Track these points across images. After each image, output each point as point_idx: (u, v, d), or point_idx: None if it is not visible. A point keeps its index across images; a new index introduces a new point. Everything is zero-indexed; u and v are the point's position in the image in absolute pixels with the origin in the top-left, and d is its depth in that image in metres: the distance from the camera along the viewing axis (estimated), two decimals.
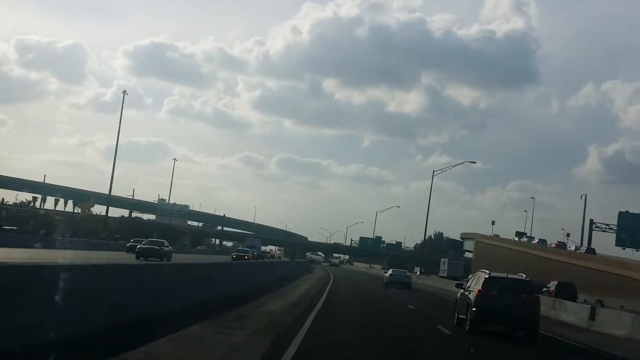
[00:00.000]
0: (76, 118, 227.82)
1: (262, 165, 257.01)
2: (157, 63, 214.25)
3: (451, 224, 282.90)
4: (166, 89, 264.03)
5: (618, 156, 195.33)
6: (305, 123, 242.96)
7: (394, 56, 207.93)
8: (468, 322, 19.32)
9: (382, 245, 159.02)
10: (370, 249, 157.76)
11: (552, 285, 54.85)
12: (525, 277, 20.49)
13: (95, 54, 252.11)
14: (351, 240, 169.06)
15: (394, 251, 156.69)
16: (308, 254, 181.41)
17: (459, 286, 23.60)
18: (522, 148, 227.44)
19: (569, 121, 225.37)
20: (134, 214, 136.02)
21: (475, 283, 20.05)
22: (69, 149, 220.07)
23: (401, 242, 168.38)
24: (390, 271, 57.79)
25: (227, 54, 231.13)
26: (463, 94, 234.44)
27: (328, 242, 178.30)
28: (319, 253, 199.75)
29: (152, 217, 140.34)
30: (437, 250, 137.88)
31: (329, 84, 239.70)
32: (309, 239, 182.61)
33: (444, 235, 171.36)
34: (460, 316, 20.71)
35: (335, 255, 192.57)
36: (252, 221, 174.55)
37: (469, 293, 19.86)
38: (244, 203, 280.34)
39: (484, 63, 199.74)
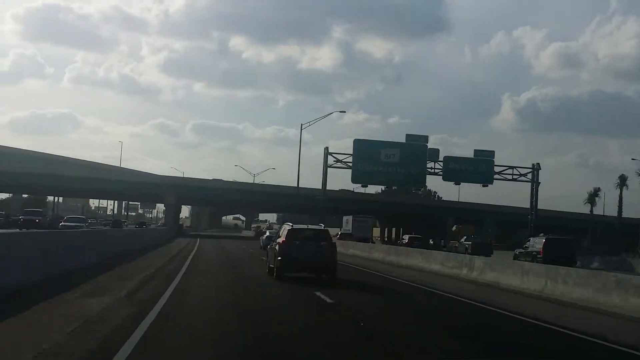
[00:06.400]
0: None
1: (176, 133, 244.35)
2: (53, 27, 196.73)
3: None
4: (67, 56, 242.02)
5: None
6: (217, 85, 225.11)
7: (301, 9, 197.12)
8: (275, 270, 21.74)
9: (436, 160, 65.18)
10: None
11: (537, 242, 38.01)
12: (324, 227, 23.29)
13: None
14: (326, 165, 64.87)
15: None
16: (228, 218, 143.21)
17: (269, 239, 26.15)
18: (437, 101, 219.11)
19: (482, 71, 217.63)
20: None
21: (281, 235, 22.48)
22: None
23: None
24: (267, 233, 47.59)
25: (126, 13, 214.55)
26: (376, 47, 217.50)
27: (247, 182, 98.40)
28: (240, 216, 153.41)
29: None
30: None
31: (236, 43, 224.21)
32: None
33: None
34: (271, 265, 23.10)
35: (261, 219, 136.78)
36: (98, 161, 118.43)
37: (276, 245, 22.27)
38: (158, 171, 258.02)
39: (394, 13, 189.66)
